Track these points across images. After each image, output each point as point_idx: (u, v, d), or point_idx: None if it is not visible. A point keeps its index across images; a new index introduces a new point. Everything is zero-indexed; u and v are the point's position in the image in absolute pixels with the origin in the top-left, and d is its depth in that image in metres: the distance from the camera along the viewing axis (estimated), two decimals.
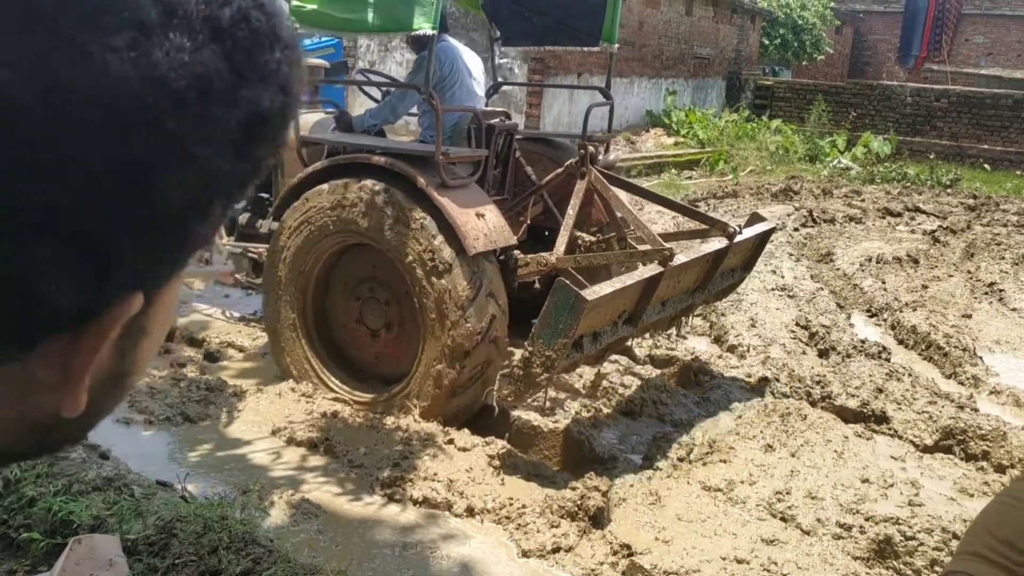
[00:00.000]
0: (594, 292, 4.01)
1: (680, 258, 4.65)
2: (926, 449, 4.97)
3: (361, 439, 4.50)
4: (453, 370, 4.46)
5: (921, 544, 3.78)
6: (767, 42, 25.05)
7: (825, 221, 12.19)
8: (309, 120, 5.65)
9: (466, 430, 4.49)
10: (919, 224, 12.71)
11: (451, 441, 4.41)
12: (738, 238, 5.17)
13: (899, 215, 13.26)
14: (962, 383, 6.20)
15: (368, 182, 4.62)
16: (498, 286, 4.64)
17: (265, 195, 5.87)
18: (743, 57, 22.11)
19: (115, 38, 0.46)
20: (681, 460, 4.50)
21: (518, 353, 4.24)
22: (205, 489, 3.95)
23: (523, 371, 3.98)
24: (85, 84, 0.45)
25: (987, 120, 18.85)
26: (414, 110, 5.70)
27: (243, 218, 5.94)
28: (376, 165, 4.67)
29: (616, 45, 5.85)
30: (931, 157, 18.50)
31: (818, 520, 3.98)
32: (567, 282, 3.91)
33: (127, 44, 0.46)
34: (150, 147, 0.47)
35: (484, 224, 4.54)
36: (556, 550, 3.64)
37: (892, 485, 4.36)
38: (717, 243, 5.14)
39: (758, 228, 5.62)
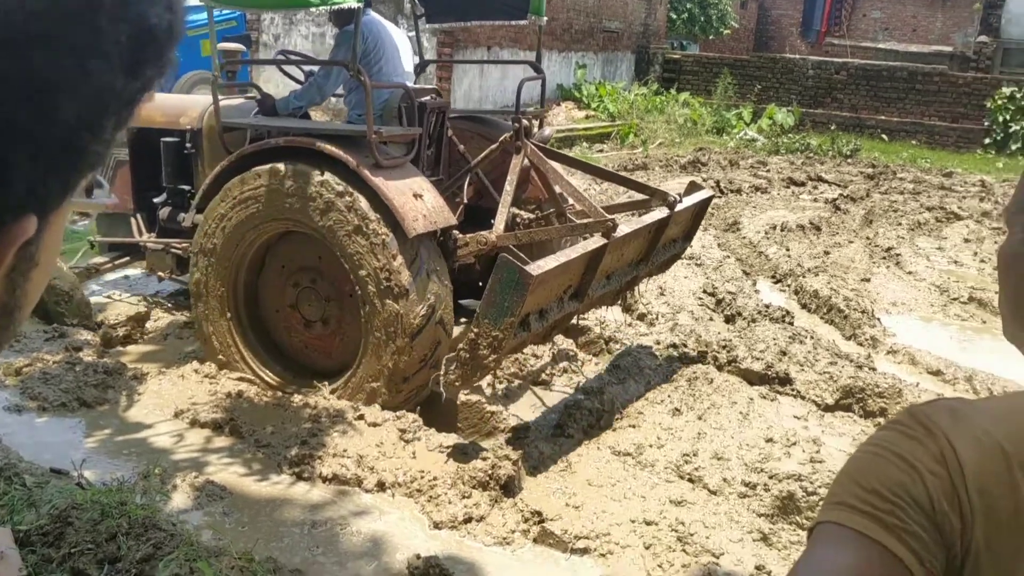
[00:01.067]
0: (539, 267, 3.89)
1: (623, 229, 4.58)
2: (827, 408, 5.12)
3: (268, 418, 4.40)
4: (400, 356, 4.35)
5: (822, 499, 3.88)
6: (674, 16, 25.32)
7: (732, 191, 12.45)
8: (229, 106, 5.41)
9: (376, 405, 4.42)
10: (821, 193, 13.09)
11: (361, 417, 4.35)
12: (679, 207, 5.14)
13: (802, 184, 13.64)
14: (861, 344, 6.41)
15: (298, 166, 4.43)
16: (440, 268, 4.53)
17: (186, 187, 5.59)
18: (651, 31, 22.32)
19: None
20: (591, 427, 4.54)
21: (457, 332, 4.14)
22: (103, 475, 3.81)
23: (470, 354, 3.85)
24: None
25: (884, 92, 19.48)
26: (340, 90, 5.52)
27: (164, 212, 5.62)
28: (305, 148, 4.46)
29: (544, 18, 5.79)
30: (832, 128, 19.05)
31: (724, 480, 4.07)
32: (511, 258, 3.79)
33: None
34: (47, 61, 0.49)
35: (422, 205, 4.41)
36: (468, 520, 3.63)
37: (795, 444, 4.48)
38: (658, 213, 5.10)
39: (696, 197, 5.56)
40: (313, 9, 5.06)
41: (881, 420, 4.98)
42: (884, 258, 9.14)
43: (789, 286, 7.84)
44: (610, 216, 4.62)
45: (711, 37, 27.42)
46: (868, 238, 10.05)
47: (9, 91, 0.48)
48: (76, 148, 0.54)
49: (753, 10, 32.53)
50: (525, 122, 5.25)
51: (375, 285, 4.31)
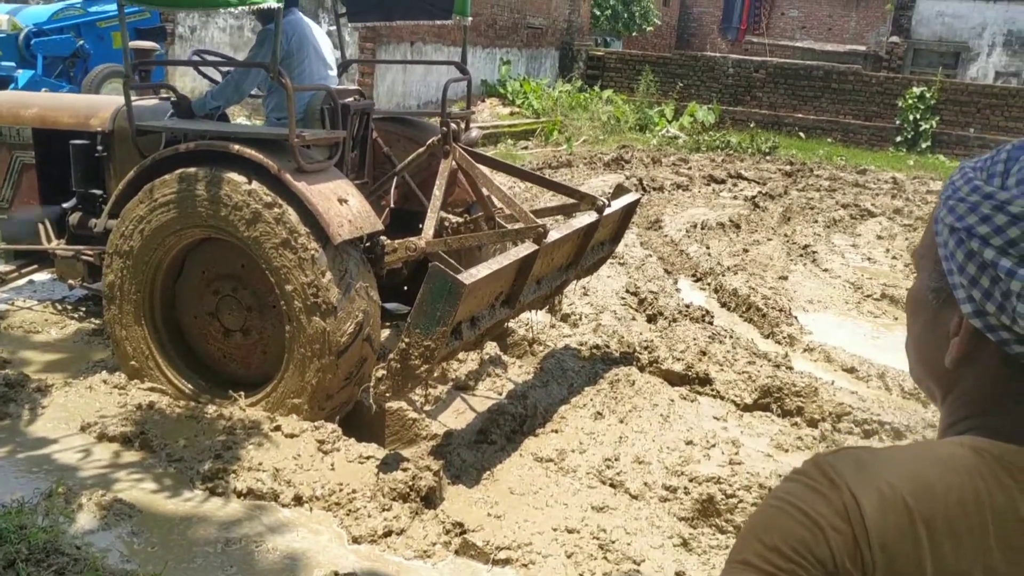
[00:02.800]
0: (471, 276, 3.82)
1: (553, 234, 4.55)
2: (746, 408, 5.20)
3: (180, 431, 4.26)
4: (325, 373, 4.21)
5: (741, 501, 3.94)
6: (598, 13, 25.50)
7: (654, 189, 12.59)
8: (143, 107, 5.18)
9: (293, 416, 4.32)
10: (741, 191, 13.34)
11: (277, 428, 4.24)
12: (607, 211, 5.14)
13: (723, 182, 13.88)
14: (779, 342, 6.54)
15: (216, 171, 4.26)
16: (367, 277, 4.41)
17: (97, 192, 5.34)
18: (575, 28, 22.42)
19: None
20: (514, 432, 4.52)
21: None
22: (2, 496, 3.63)
23: (400, 364, 3.74)
24: None
25: (801, 90, 19.95)
26: (256, 91, 5.37)
27: (74, 218, 5.34)
28: (224, 152, 4.31)
29: (470, 18, 5.73)
30: (752, 126, 19.45)
31: (645, 484, 4.09)
32: (442, 267, 3.71)
33: None
34: None
35: (347, 210, 4.27)
36: (388, 534, 3.57)
37: (714, 445, 4.54)
38: (587, 217, 5.07)
39: (624, 200, 5.56)
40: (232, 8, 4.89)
41: (798, 420, 5.08)
42: (801, 255, 9.35)
43: (709, 284, 7.95)
44: (540, 221, 4.59)
45: (634, 34, 27.70)
46: (786, 235, 10.28)
47: None
48: None
49: (675, 7, 33.00)
50: (453, 125, 5.18)
51: (302, 301, 4.17)
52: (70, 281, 5.48)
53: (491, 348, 5.57)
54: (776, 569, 0.83)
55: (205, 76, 5.77)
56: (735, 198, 12.69)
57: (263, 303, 4.53)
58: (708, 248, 9.31)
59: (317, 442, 4.14)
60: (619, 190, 5.73)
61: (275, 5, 4.17)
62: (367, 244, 4.60)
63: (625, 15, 26.72)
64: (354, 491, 3.78)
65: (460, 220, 5.41)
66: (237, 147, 4.30)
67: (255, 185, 4.21)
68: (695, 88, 20.53)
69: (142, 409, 4.46)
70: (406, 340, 3.74)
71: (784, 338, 6.58)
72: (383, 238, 4.67)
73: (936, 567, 0.82)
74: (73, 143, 5.31)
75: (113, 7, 14.27)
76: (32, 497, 3.64)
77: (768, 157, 16.84)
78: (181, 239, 4.51)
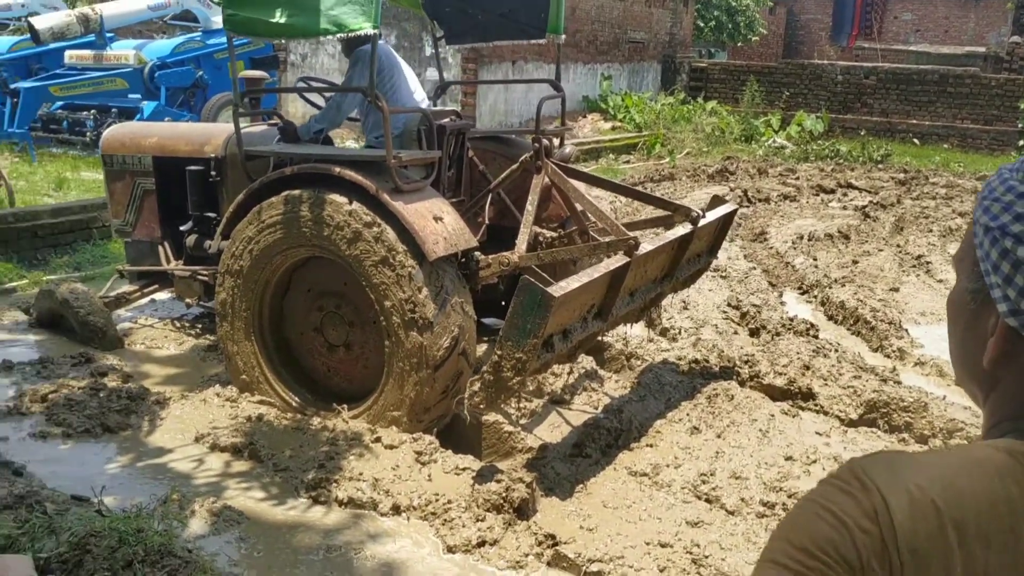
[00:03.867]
0: (561, 288, 3.85)
1: (645, 246, 4.56)
2: (850, 423, 5.05)
3: (287, 442, 4.44)
4: (423, 387, 4.35)
5: None
6: (702, 24, 25.26)
7: (760, 200, 12.35)
8: (252, 133, 5.47)
9: (392, 428, 4.44)
10: (851, 200, 12.93)
11: (378, 439, 4.37)
12: (702, 222, 5.12)
13: (832, 192, 13.48)
14: (888, 356, 6.32)
15: (319, 192, 4.46)
16: (465, 298, 4.52)
17: (212, 215, 5.64)
18: (677, 40, 22.25)
19: None
20: (609, 447, 4.52)
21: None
22: (123, 502, 3.86)
23: (493, 376, 3.81)
24: None
25: (915, 96, 19.23)
26: (355, 113, 5.52)
27: (190, 240, 5.67)
28: (326, 174, 4.49)
29: (563, 36, 5.78)
30: (862, 134, 18.85)
31: (742, 500, 4.03)
32: (532, 280, 3.76)
33: None
34: None
35: (443, 227, 4.40)
36: (481, 544, 3.63)
37: (815, 461, 4.43)
38: (681, 229, 5.07)
39: (720, 211, 5.52)
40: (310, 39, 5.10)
41: (906, 436, 4.91)
42: (914, 266, 9.00)
43: (816, 297, 7.75)
44: (632, 234, 4.60)
45: (739, 44, 27.31)
46: (898, 246, 9.91)
47: None
48: None
49: (781, 16, 32.36)
50: (545, 141, 5.25)
51: (400, 316, 4.31)
52: (187, 300, 5.79)
53: (587, 362, 5.59)
54: (803, 568, 0.84)
55: (309, 102, 6.01)
56: (844, 208, 12.32)
57: (364, 319, 4.68)
58: (815, 260, 9.07)
59: (415, 453, 4.25)
60: (715, 201, 5.67)
61: (371, 31, 4.32)
62: (462, 260, 4.69)
63: (730, 26, 26.38)
64: (450, 501, 3.86)
65: (554, 235, 5.47)
66: (338, 169, 4.47)
67: (355, 205, 4.37)
68: (802, 97, 20.04)
69: (251, 421, 4.67)
70: (498, 352, 3.81)
71: (894, 351, 6.35)
72: (477, 254, 4.76)
73: (966, 570, 0.81)
74: (189, 169, 5.61)
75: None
76: (149, 503, 3.86)
77: (880, 165, 16.29)
78: (287, 258, 4.71)
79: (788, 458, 4.42)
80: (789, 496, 4.01)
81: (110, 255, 8.00)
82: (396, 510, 3.89)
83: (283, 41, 15.62)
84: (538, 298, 3.70)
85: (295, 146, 5.15)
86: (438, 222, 4.40)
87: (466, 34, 6.46)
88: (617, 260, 4.45)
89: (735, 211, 5.85)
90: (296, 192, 4.54)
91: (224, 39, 14.70)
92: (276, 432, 4.56)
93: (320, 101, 5.85)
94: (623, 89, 19.73)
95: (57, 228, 7.94)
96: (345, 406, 4.68)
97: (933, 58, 25.96)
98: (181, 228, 5.77)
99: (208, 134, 5.83)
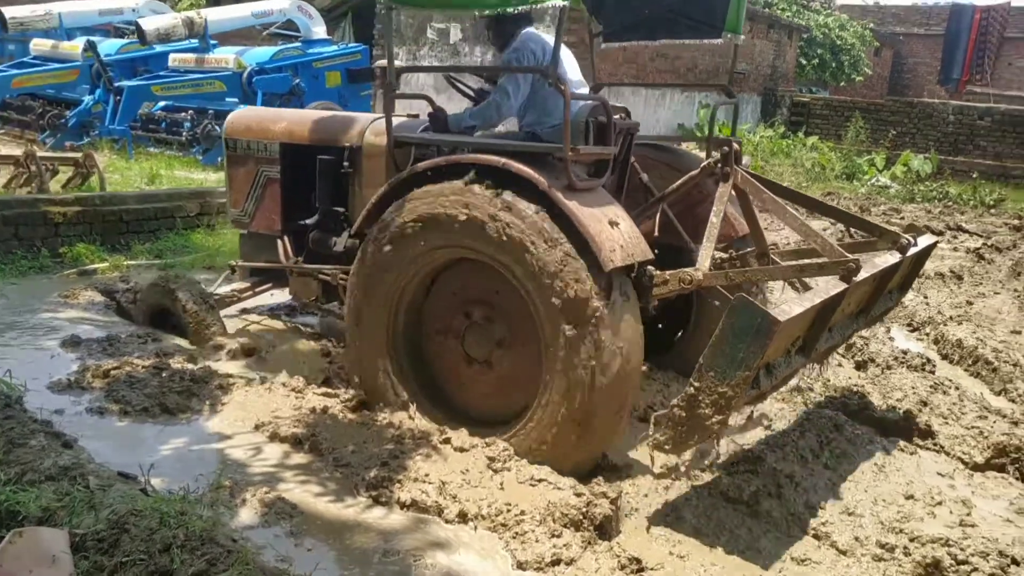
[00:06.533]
0: (784, 312, 3.29)
1: (862, 273, 3.88)
2: (976, 467, 4.47)
3: (349, 436, 4.11)
4: (587, 406, 3.75)
5: (975, 569, 3.31)
6: (804, 62, 24.58)
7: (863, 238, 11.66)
8: (395, 123, 4.68)
9: (464, 428, 4.07)
10: (962, 242, 12.17)
11: (447, 440, 4.00)
12: (911, 251, 4.47)
13: (940, 234, 12.69)
14: (1013, 400, 5.68)
15: (478, 186, 3.89)
16: (634, 309, 3.88)
17: (340, 208, 5.12)
18: (779, 74, 21.66)
19: None
20: (703, 470, 4.06)
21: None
22: (171, 483, 3.58)
23: (687, 412, 3.29)
24: None
25: None
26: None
27: (315, 235, 5.15)
28: (487, 165, 3.91)
29: (742, 36, 5.10)
30: (974, 176, 17.87)
31: (856, 539, 3.52)
32: (750, 299, 3.23)
33: None
34: None
35: (619, 234, 3.79)
36: (556, 562, 3.21)
37: (940, 503, 3.89)
38: (890, 257, 4.41)
39: (925, 241, 4.80)
40: (487, 14, 4.50)
41: None
42: None
43: (928, 335, 7.12)
44: (853, 256, 3.92)
45: (842, 84, 26.50)
46: (1017, 290, 9.16)
47: None
48: None
49: (887, 58, 31.42)
50: (736, 145, 4.62)
51: (565, 330, 3.72)
52: (303, 300, 5.41)
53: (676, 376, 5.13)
54: None
55: (459, 90, 5.27)
56: (955, 250, 11.55)
57: (515, 337, 4.11)
58: (926, 298, 8.42)
59: (487, 459, 3.86)
60: (910, 229, 4.94)
61: (560, 3, 3.81)
62: (634, 273, 4.00)
63: (833, 64, 25.62)
64: (523, 513, 3.46)
65: (726, 256, 4.79)
66: (503, 161, 3.89)
67: (517, 199, 3.82)
68: (909, 136, 19.20)
69: (315, 413, 4.37)
70: (696, 384, 3.26)
71: (1019, 396, 5.71)
72: (651, 268, 4.08)
73: None
74: (321, 158, 5.09)
75: (328, 49, 15.10)
76: (198, 487, 3.56)
77: (993, 210, 15.36)
78: (433, 260, 4.18)
79: (909, 497, 3.89)
80: (911, 539, 3.48)
81: (192, 245, 7.89)
82: (463, 517, 3.50)
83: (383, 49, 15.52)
84: (756, 321, 3.15)
85: (453, 135, 4.50)
86: (614, 228, 3.80)
87: (630, 32, 5.66)
88: (833, 286, 3.82)
89: (935, 244, 5.12)
90: (450, 184, 3.97)
91: (322, 49, 14.89)
92: (340, 426, 4.24)
93: (468, 91, 5.18)
94: (721, 120, 19.21)
95: (142, 215, 7.86)
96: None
97: None
98: (306, 221, 5.25)
99: (344, 122, 5.31)
